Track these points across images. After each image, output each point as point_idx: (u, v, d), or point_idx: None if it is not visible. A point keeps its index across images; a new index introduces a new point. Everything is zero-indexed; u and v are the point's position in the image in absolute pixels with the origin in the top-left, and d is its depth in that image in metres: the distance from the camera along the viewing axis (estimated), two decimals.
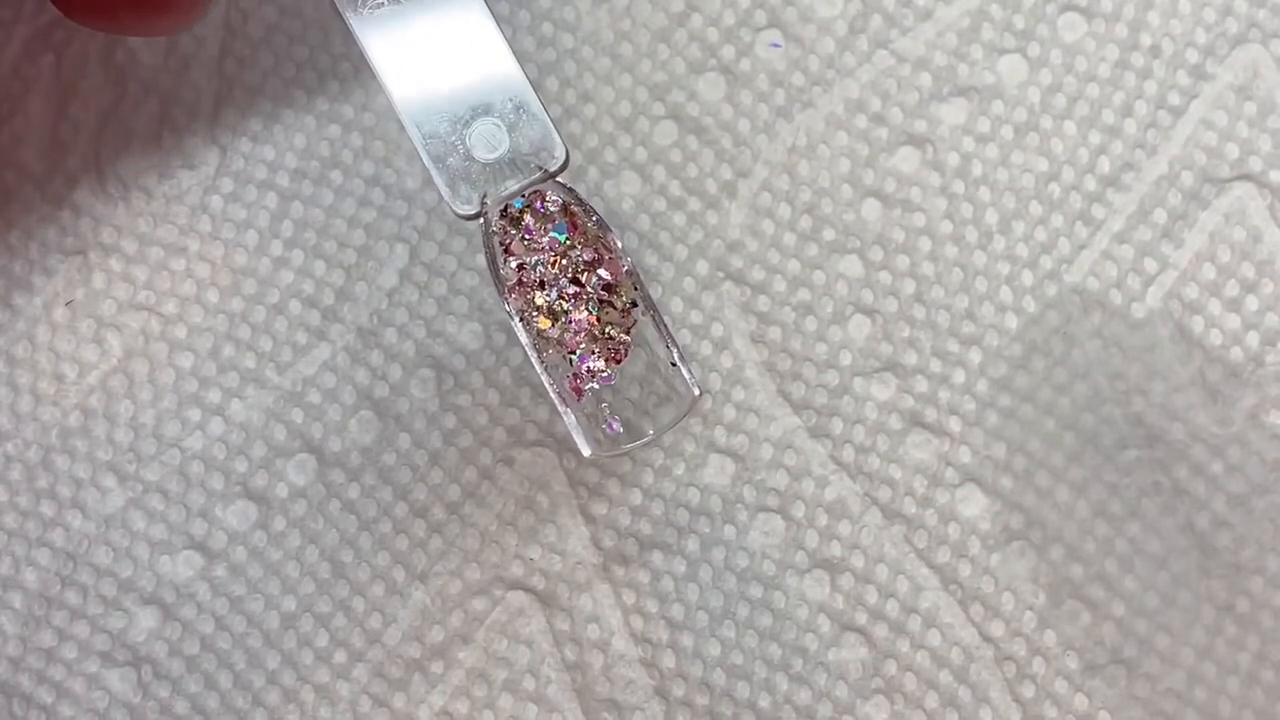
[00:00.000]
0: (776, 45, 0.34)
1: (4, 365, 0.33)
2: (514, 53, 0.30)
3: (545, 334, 0.29)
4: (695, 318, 0.33)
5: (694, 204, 0.33)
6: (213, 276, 0.33)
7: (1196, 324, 0.32)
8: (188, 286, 0.33)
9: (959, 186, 0.33)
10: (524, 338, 0.30)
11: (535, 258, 0.29)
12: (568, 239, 0.30)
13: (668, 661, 0.32)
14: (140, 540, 0.32)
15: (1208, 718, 0.31)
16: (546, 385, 0.29)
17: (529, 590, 0.32)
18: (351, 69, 0.34)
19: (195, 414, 0.33)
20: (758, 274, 0.33)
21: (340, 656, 0.32)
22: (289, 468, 0.32)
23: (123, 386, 0.33)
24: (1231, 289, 0.33)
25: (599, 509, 0.32)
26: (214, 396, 0.33)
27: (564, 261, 0.29)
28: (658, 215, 0.33)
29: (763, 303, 0.33)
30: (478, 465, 0.32)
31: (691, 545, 0.32)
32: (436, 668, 0.32)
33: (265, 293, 0.33)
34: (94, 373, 0.33)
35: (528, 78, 0.30)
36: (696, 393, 0.29)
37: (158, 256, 0.33)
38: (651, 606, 0.32)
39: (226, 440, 0.33)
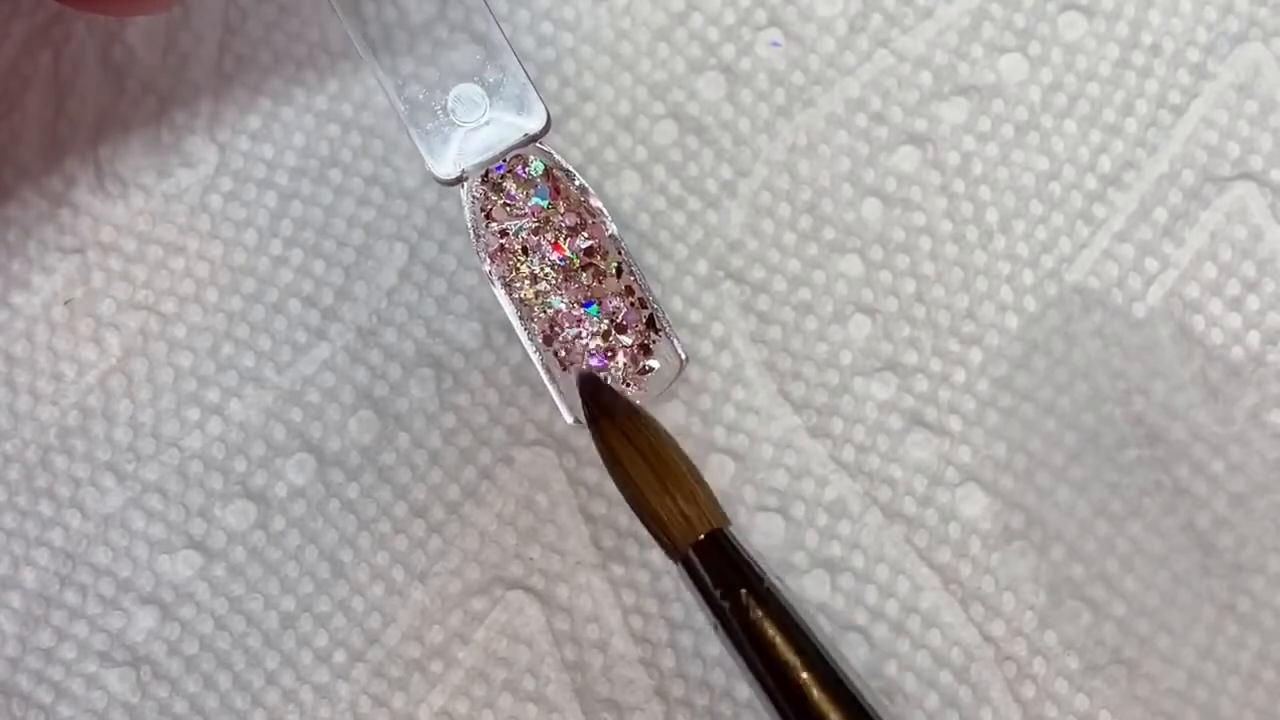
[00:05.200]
0: (776, 44, 0.34)
1: (3, 364, 0.33)
2: (495, 17, 0.30)
3: (528, 301, 0.30)
4: (695, 317, 0.33)
5: (694, 203, 0.33)
6: (212, 275, 0.33)
7: (1197, 323, 0.32)
8: (187, 285, 0.33)
9: (959, 185, 0.33)
10: (507, 305, 0.30)
11: (517, 224, 0.30)
12: (550, 204, 0.30)
13: (667, 661, 0.32)
14: (139, 540, 0.32)
15: (1209, 717, 0.31)
16: (530, 352, 0.30)
17: (529, 590, 0.32)
18: (350, 68, 0.34)
19: (194, 413, 0.33)
20: (758, 273, 0.33)
21: (340, 656, 0.32)
22: (288, 467, 0.32)
23: (121, 385, 0.33)
24: (1233, 288, 0.33)
25: (599, 509, 0.32)
26: (213, 396, 0.33)
27: (546, 227, 0.30)
28: (658, 214, 0.33)
29: (763, 302, 0.33)
30: (477, 465, 0.32)
31: None
32: (436, 667, 0.32)
33: (264, 292, 0.33)
34: (93, 372, 0.33)
35: (509, 42, 0.30)
36: (684, 357, 0.30)
37: (157, 255, 0.33)
38: (651, 606, 0.32)
39: (225, 439, 0.33)
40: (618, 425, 0.28)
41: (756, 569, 0.27)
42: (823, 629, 0.28)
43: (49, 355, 0.33)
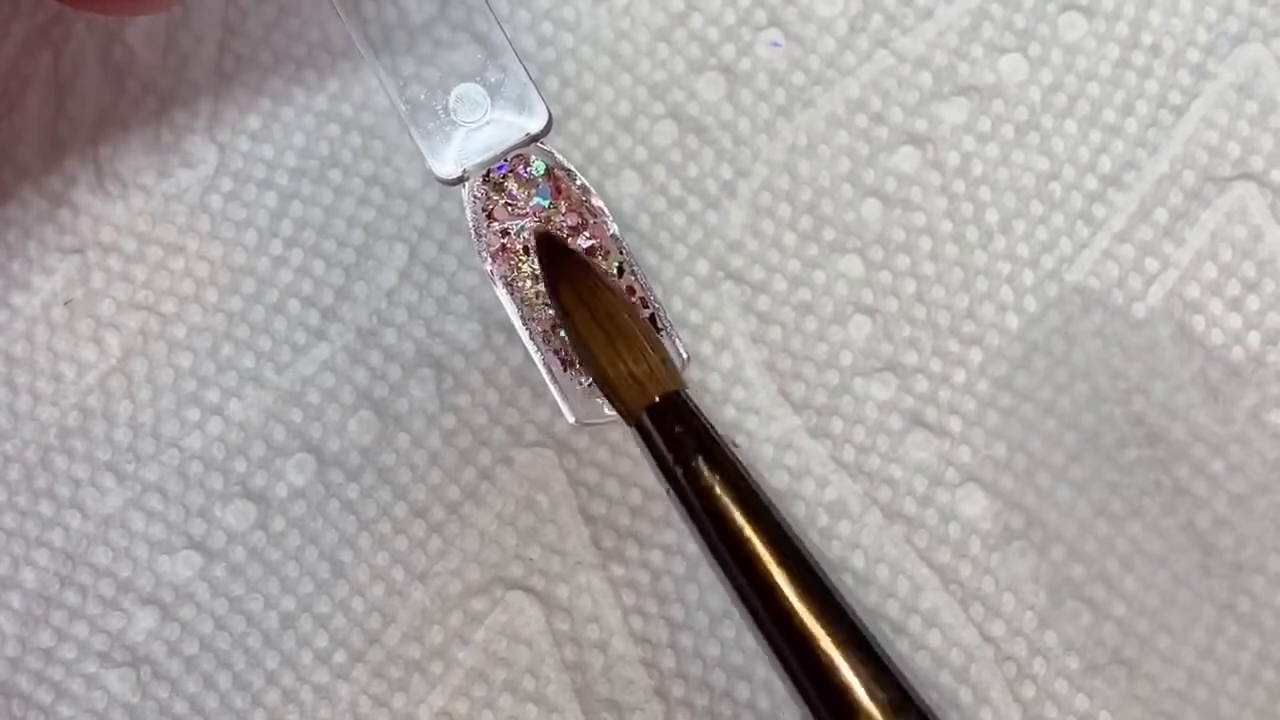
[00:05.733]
0: (777, 44, 0.34)
1: (3, 364, 0.33)
2: (497, 18, 0.30)
3: (530, 301, 0.30)
4: (695, 317, 0.33)
5: (694, 203, 0.33)
6: (212, 275, 0.33)
7: (1198, 323, 0.32)
8: (187, 285, 0.33)
9: (959, 186, 0.33)
10: (509, 305, 0.30)
11: (519, 223, 0.30)
12: (551, 204, 0.30)
13: (668, 661, 0.32)
14: (139, 540, 0.32)
15: (1209, 717, 0.31)
16: (532, 352, 0.30)
17: (529, 590, 0.32)
18: (350, 68, 0.34)
19: (194, 413, 0.33)
20: (758, 273, 0.33)
21: (340, 657, 0.32)
22: (288, 467, 0.32)
23: (121, 386, 0.33)
24: (1233, 288, 0.33)
25: (599, 509, 0.32)
26: (213, 396, 0.33)
27: (547, 227, 0.30)
28: (658, 215, 0.33)
29: (763, 302, 0.33)
30: (477, 465, 0.32)
31: (691, 545, 0.32)
32: (436, 668, 0.32)
33: (264, 292, 0.33)
34: (93, 372, 0.33)
35: (510, 42, 0.30)
36: (685, 356, 0.30)
37: (157, 255, 0.33)
38: (651, 606, 0.32)
39: (225, 440, 0.33)
40: (572, 285, 0.28)
41: (713, 432, 0.27)
42: (777, 493, 0.27)
43: (49, 356, 0.33)
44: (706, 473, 0.26)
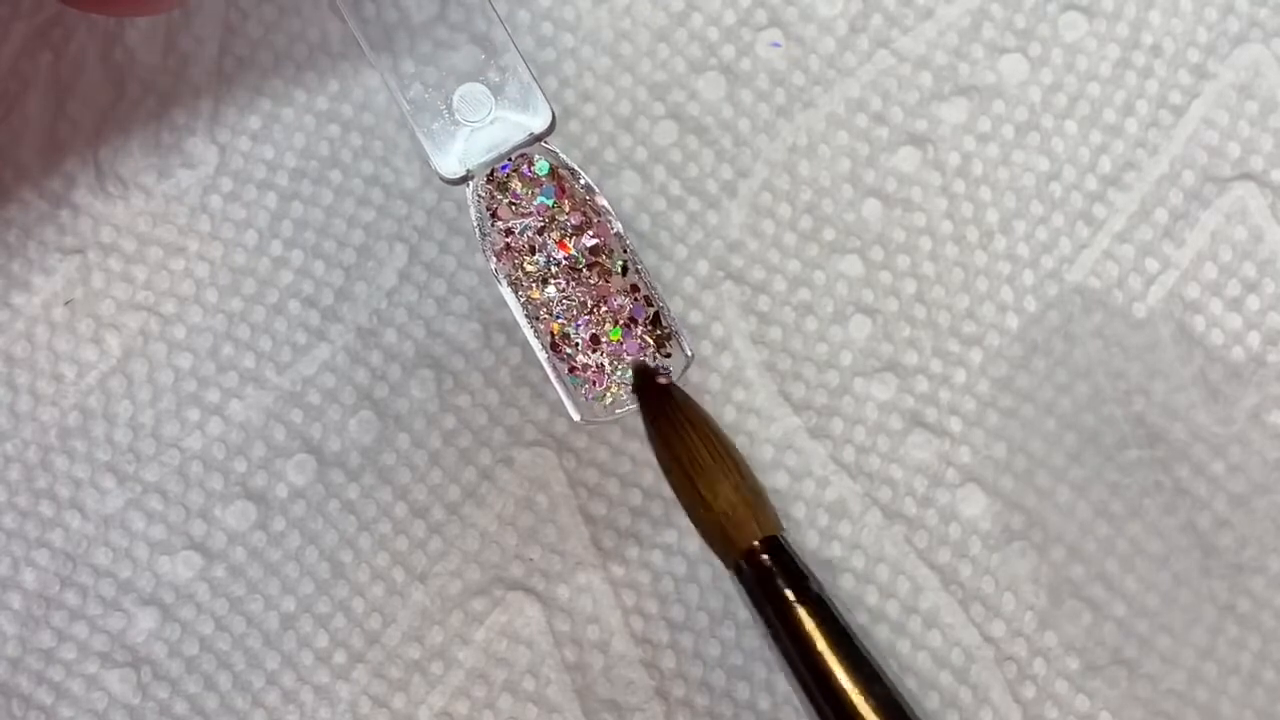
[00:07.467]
0: (777, 44, 0.34)
1: (3, 364, 0.33)
2: (500, 18, 0.30)
3: (537, 301, 0.30)
4: (695, 318, 0.33)
5: (694, 203, 0.33)
6: (212, 276, 0.33)
7: (1198, 323, 0.32)
8: (187, 286, 0.33)
9: (960, 186, 0.33)
10: (513, 304, 0.30)
11: (523, 223, 0.30)
12: (555, 203, 0.30)
13: (668, 662, 0.32)
14: (139, 541, 0.32)
15: (1209, 718, 0.31)
16: (537, 350, 0.30)
17: (529, 591, 0.32)
18: (351, 69, 0.34)
19: (194, 414, 0.33)
20: (758, 274, 0.33)
21: (340, 657, 0.32)
22: (288, 468, 0.32)
23: (122, 386, 0.33)
24: (1233, 288, 0.33)
25: (599, 509, 0.32)
26: (213, 396, 0.33)
27: (551, 226, 0.30)
28: (658, 215, 0.33)
29: (763, 302, 0.33)
30: (477, 465, 0.32)
31: (691, 545, 0.32)
32: (436, 668, 0.32)
33: (264, 292, 0.33)
34: (93, 372, 0.33)
35: (513, 41, 0.30)
36: (690, 354, 0.30)
37: (157, 256, 0.33)
38: (652, 607, 0.32)
39: (226, 440, 0.33)
40: (671, 420, 0.28)
41: (808, 574, 0.28)
42: (871, 637, 0.28)
43: (49, 356, 0.33)
44: (801, 610, 0.27)
